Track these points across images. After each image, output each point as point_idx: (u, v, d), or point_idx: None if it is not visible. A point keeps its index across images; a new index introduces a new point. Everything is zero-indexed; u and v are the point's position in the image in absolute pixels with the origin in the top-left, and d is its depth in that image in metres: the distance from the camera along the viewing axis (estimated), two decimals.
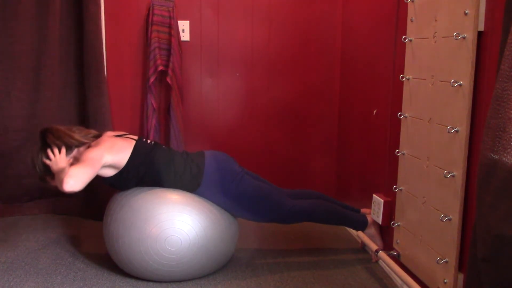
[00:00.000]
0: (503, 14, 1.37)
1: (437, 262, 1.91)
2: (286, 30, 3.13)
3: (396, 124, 2.31)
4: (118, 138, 2.27)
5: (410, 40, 2.15)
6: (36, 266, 2.40)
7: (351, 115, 3.00)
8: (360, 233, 2.63)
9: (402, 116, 2.23)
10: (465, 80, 1.75)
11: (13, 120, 2.90)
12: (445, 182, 1.88)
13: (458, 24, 1.79)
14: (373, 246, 2.49)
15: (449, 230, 1.86)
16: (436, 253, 1.95)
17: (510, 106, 1.26)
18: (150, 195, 2.21)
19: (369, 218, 2.54)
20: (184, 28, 3.03)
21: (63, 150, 2.19)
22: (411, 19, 2.14)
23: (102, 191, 2.77)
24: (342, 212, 2.52)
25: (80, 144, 2.23)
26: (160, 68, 2.90)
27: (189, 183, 2.27)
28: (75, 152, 2.24)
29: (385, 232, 2.50)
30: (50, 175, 2.20)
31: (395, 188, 2.29)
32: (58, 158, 2.15)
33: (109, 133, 2.35)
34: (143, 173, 2.24)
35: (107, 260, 2.40)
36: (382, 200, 2.44)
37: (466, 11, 1.73)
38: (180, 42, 2.98)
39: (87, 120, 2.94)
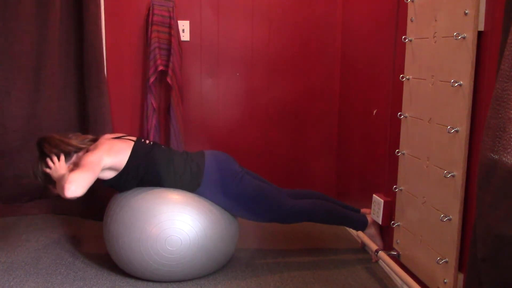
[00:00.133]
0: (503, 14, 1.37)
1: (437, 262, 1.91)
2: (286, 30, 3.13)
3: (396, 124, 2.31)
4: (116, 140, 2.27)
5: (410, 40, 2.15)
6: (36, 266, 2.40)
7: (351, 115, 3.00)
8: (360, 233, 2.63)
9: (402, 116, 2.23)
10: (465, 80, 1.75)
11: (13, 120, 2.90)
12: (445, 182, 1.88)
13: (458, 24, 1.79)
14: (373, 246, 2.49)
15: (449, 230, 1.86)
16: (436, 253, 1.95)
17: (510, 106, 1.26)
18: (150, 195, 2.21)
19: (369, 218, 2.55)
20: (184, 28, 3.03)
21: (62, 157, 2.18)
22: (411, 19, 2.14)
23: (102, 191, 2.76)
24: (342, 212, 2.52)
25: (78, 149, 2.23)
26: (160, 68, 2.90)
27: (189, 183, 2.27)
28: (74, 158, 2.24)
29: (385, 232, 2.50)
30: (52, 183, 2.20)
31: (395, 188, 2.29)
32: (57, 166, 2.15)
33: (107, 136, 2.35)
34: (142, 173, 2.24)
35: (107, 260, 2.40)
36: (382, 200, 2.44)
37: (466, 11, 1.73)
38: (180, 42, 2.98)
39: (87, 120, 2.94)
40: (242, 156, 2.85)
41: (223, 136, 3.18)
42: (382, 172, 2.52)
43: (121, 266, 2.27)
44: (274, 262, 2.49)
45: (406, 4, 2.19)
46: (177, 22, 2.96)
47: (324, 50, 3.18)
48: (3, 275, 2.29)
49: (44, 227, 2.91)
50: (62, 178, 2.05)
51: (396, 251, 2.31)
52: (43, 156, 2.21)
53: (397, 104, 2.29)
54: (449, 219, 1.85)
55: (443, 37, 1.89)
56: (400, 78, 2.21)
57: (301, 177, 3.29)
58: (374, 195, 2.54)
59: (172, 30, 2.90)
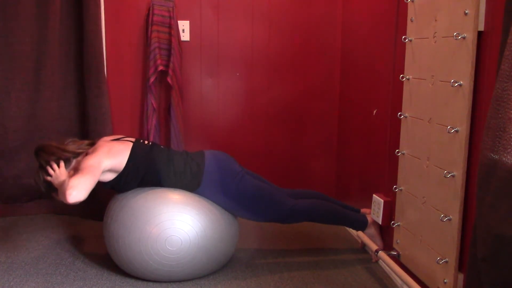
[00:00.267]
0: (503, 14, 1.37)
1: (437, 262, 1.91)
2: (286, 30, 3.13)
3: (396, 124, 2.31)
4: (115, 142, 2.26)
5: (410, 40, 2.15)
6: (36, 266, 2.40)
7: (351, 115, 3.00)
8: (360, 233, 2.63)
9: (402, 116, 2.23)
10: (465, 80, 1.75)
11: (13, 120, 2.90)
12: (445, 182, 1.88)
13: (458, 24, 1.79)
14: (373, 246, 2.49)
15: (449, 230, 1.86)
16: (436, 253, 1.95)
17: (510, 106, 1.26)
18: (150, 195, 2.21)
19: (369, 218, 2.55)
20: (184, 28, 3.03)
21: (62, 163, 2.18)
22: (411, 19, 2.14)
23: (102, 191, 2.76)
24: (342, 212, 2.52)
25: (76, 154, 2.23)
26: (160, 68, 2.90)
27: (189, 183, 2.27)
28: (74, 163, 2.23)
29: (385, 232, 2.50)
30: (55, 191, 2.18)
31: (395, 188, 2.29)
32: (58, 173, 2.14)
33: (106, 138, 2.34)
34: (142, 174, 2.24)
35: (107, 260, 2.40)
36: (382, 200, 2.44)
37: (466, 11, 1.73)
38: (180, 42, 2.98)
39: (87, 120, 2.94)
40: (242, 156, 2.85)
41: (223, 136, 3.18)
42: (382, 172, 2.52)
43: (121, 266, 2.27)
44: (274, 262, 2.49)
45: (406, 4, 2.19)
46: (177, 22, 2.96)
47: (324, 50, 3.18)
48: (3, 275, 2.29)
49: (44, 227, 2.91)
50: (63, 185, 2.04)
51: (396, 251, 2.31)
52: (42, 164, 2.20)
53: (397, 104, 2.30)
54: (449, 219, 1.85)
55: (443, 37, 1.89)
56: (400, 78, 2.21)
57: (301, 177, 3.29)
58: (374, 195, 2.54)
59: (172, 30, 2.90)
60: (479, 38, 1.72)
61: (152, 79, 2.91)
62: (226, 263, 2.43)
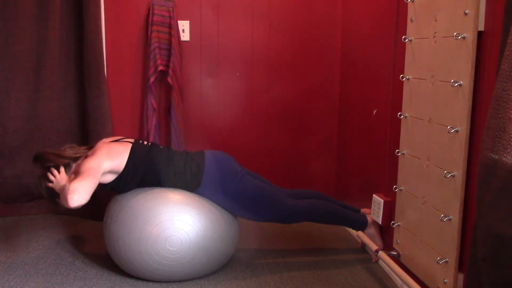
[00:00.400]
0: (503, 14, 1.37)
1: (437, 262, 1.91)
2: (286, 30, 3.13)
3: (396, 124, 2.31)
4: (114, 143, 2.26)
5: (410, 40, 2.15)
6: (36, 266, 2.40)
7: (351, 115, 3.00)
8: (360, 233, 2.63)
9: (402, 116, 2.23)
10: (465, 80, 1.75)
11: (13, 120, 2.90)
12: (445, 182, 1.88)
13: (458, 24, 1.79)
14: (373, 246, 2.49)
15: (449, 230, 1.86)
16: (436, 253, 1.95)
17: (510, 106, 1.26)
18: (150, 195, 2.21)
19: (369, 218, 2.54)
20: (184, 28, 3.03)
21: (62, 169, 2.17)
22: (411, 19, 2.14)
23: (102, 191, 2.77)
24: (342, 212, 2.52)
25: (74, 158, 2.22)
26: (160, 68, 2.90)
27: (189, 183, 2.27)
28: (74, 167, 2.22)
29: (385, 232, 2.50)
30: (58, 197, 2.17)
31: (395, 188, 2.29)
32: (58, 178, 2.14)
33: (105, 140, 2.34)
34: (142, 174, 2.24)
35: (107, 260, 2.40)
36: (382, 200, 2.44)
37: (466, 11, 1.73)
38: (180, 42, 2.98)
39: (87, 120, 2.94)
40: (242, 156, 2.85)
41: (223, 136, 3.18)
42: (382, 172, 2.52)
43: (121, 266, 2.27)
44: (274, 262, 2.49)
45: (406, 4, 2.19)
46: (177, 22, 2.96)
47: (324, 50, 3.18)
48: (3, 275, 2.29)
49: (44, 227, 2.91)
50: (64, 189, 2.03)
51: (396, 251, 2.31)
52: (43, 171, 2.20)
53: (397, 104, 2.29)
54: (449, 219, 1.85)
55: (443, 37, 1.89)
56: (400, 78, 2.21)
57: (301, 177, 3.29)
58: (374, 195, 2.54)
59: (172, 30, 2.90)
60: (479, 38, 1.72)
61: (152, 79, 2.91)
62: (226, 263, 2.43)
